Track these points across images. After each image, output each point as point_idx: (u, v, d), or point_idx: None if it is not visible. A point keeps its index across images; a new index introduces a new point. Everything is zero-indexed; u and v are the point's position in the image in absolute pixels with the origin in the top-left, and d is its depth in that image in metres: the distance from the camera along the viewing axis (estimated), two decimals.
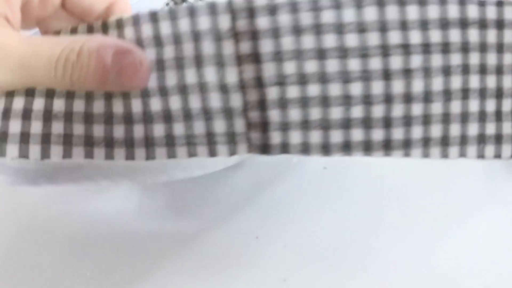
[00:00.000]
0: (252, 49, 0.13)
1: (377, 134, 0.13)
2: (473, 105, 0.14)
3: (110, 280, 0.18)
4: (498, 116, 0.14)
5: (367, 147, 0.13)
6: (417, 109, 0.13)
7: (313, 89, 0.13)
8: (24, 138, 0.14)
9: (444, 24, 0.13)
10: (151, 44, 0.14)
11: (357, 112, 0.13)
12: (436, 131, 0.14)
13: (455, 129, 0.14)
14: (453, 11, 0.13)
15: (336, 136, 0.13)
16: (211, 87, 0.14)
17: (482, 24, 0.14)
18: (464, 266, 0.19)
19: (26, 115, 0.15)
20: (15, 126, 0.15)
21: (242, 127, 0.14)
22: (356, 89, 0.13)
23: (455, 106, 0.14)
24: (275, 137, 0.13)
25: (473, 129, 0.14)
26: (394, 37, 0.13)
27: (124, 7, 0.17)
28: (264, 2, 0.13)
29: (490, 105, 0.14)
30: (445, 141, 0.14)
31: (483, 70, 0.14)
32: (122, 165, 0.17)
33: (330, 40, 0.13)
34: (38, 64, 0.13)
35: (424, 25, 0.13)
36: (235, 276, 0.19)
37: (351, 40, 0.13)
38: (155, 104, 0.14)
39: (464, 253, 0.20)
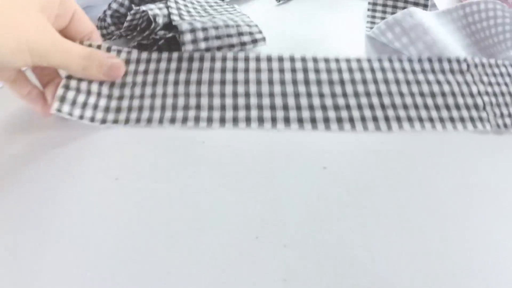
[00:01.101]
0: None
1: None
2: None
3: (110, 280, 0.18)
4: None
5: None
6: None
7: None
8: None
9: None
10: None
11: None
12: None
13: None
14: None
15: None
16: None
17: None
18: (464, 268, 0.19)
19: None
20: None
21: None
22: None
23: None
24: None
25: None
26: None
27: (97, 36, 0.29)
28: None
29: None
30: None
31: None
32: None
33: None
34: (72, 57, 0.24)
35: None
36: (235, 276, 0.19)
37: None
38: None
39: (464, 254, 0.20)
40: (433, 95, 0.27)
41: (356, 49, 0.36)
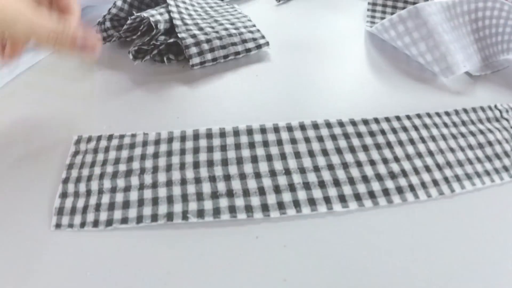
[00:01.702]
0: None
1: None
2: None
3: (110, 280, 0.18)
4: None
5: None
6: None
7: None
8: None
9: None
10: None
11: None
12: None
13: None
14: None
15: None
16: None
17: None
18: (464, 268, 0.19)
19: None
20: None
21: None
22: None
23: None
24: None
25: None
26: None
27: (74, 21, 0.25)
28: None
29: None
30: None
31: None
32: None
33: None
34: (41, 30, 0.21)
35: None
36: (235, 276, 0.19)
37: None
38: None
39: (464, 254, 0.20)
40: (481, 146, 0.26)
41: (356, 49, 0.36)
